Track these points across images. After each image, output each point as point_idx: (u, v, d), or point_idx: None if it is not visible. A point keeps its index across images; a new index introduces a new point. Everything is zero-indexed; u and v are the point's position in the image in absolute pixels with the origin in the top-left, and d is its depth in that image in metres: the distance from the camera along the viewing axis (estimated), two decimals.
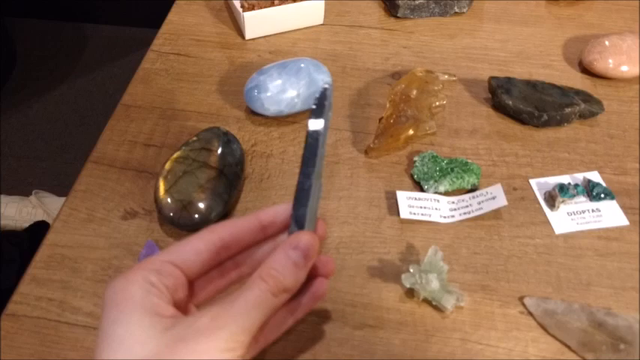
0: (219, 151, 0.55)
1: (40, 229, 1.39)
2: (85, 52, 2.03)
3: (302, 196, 0.37)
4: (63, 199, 1.47)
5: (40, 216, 1.43)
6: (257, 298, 0.34)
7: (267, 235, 0.39)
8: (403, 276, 0.48)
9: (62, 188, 1.52)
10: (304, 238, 0.36)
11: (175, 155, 0.55)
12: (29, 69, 1.95)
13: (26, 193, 1.46)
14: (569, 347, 0.46)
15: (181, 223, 0.52)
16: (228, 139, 0.56)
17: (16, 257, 1.30)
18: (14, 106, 1.82)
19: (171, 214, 0.52)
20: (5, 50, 1.94)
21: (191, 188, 0.52)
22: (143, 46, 2.10)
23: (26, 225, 1.40)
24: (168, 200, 0.52)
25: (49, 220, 1.41)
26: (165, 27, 0.74)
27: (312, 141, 0.38)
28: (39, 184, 1.54)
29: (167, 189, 0.52)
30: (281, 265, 0.35)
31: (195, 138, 0.56)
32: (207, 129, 0.57)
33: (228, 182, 0.54)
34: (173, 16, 0.76)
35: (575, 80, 0.67)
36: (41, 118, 1.79)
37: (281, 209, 0.39)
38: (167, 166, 0.54)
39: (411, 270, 0.48)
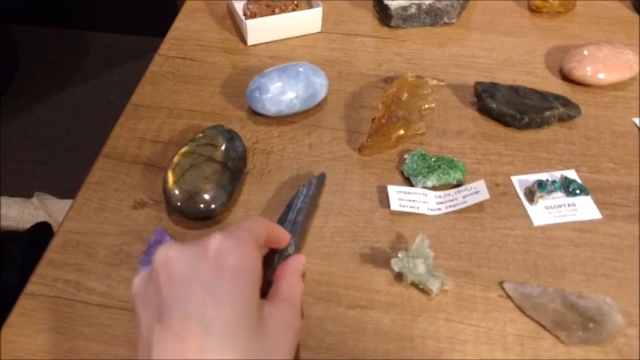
0: (224, 146, 0.59)
1: (41, 230, 1.43)
2: (86, 58, 2.07)
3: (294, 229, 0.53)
4: (64, 201, 1.51)
5: (41, 217, 1.47)
6: (301, 291, 0.45)
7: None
8: (392, 260, 0.52)
9: (63, 191, 1.55)
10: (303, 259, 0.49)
11: (183, 150, 0.59)
12: (31, 74, 1.99)
13: (27, 196, 1.50)
14: (543, 326, 0.50)
15: (187, 212, 0.56)
16: (231, 136, 0.61)
17: (17, 257, 1.34)
18: (16, 110, 1.85)
19: (179, 204, 0.56)
20: (8, 56, 1.98)
21: (197, 180, 0.56)
22: (142, 54, 2.14)
23: (28, 226, 1.44)
24: (176, 191, 0.56)
25: (51, 222, 1.45)
26: (171, 33, 0.79)
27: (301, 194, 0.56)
28: (40, 187, 1.58)
29: (175, 180, 0.56)
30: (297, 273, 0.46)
31: (201, 134, 0.60)
32: (212, 126, 0.62)
33: (232, 175, 0.58)
34: (179, 23, 0.80)
35: (556, 86, 0.72)
36: (42, 122, 1.83)
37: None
38: (175, 159, 0.58)
39: (400, 255, 0.52)
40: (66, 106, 1.90)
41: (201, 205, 0.56)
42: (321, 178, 0.60)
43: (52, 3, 2.07)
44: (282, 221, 0.55)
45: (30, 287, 0.53)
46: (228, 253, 0.37)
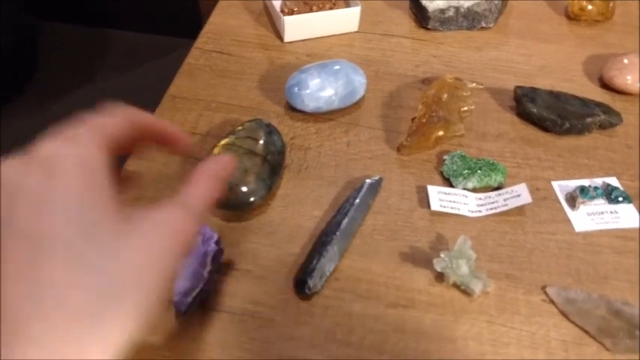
0: (263, 140, 0.59)
1: None
2: (108, 57, 2.08)
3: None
4: None
5: None
6: (209, 195, 0.36)
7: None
8: (435, 260, 0.51)
9: None
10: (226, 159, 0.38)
11: (223, 142, 0.58)
12: (51, 71, 1.99)
13: None
14: (587, 333, 0.49)
15: (228, 204, 0.56)
16: (270, 130, 0.60)
17: None
18: (34, 106, 1.85)
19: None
20: (28, 52, 1.99)
21: (238, 172, 0.56)
22: (165, 54, 2.13)
23: None
24: None
25: None
26: (207, 27, 0.79)
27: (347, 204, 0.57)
28: None
29: None
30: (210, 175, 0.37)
31: (240, 127, 0.60)
32: (251, 120, 0.61)
33: (271, 169, 0.58)
34: (215, 18, 0.80)
35: (595, 94, 0.71)
36: (61, 119, 1.82)
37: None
38: (216, 150, 0.58)
39: (442, 255, 0.52)
40: (85, 103, 1.86)
41: (241, 198, 0.55)
42: (375, 183, 0.59)
43: (76, 0, 2.08)
44: (328, 223, 0.55)
45: None
46: (58, 156, 0.32)
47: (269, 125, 0.61)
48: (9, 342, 0.28)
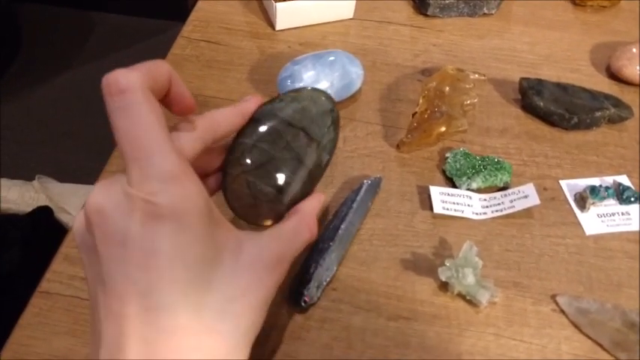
0: (324, 141, 0.40)
1: (42, 215, 1.38)
2: (91, 39, 2.02)
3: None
4: (66, 185, 1.46)
5: (42, 201, 1.42)
6: (309, 237, 0.39)
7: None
8: (439, 269, 0.48)
9: (62, 175, 1.51)
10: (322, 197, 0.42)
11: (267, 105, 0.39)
12: (34, 54, 1.93)
13: (26, 178, 1.45)
14: (601, 346, 0.46)
15: (237, 212, 0.40)
16: (333, 121, 0.41)
17: (17, 241, 1.29)
18: (17, 91, 1.80)
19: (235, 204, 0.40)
20: (10, 34, 1.93)
21: (273, 180, 0.39)
22: (149, 36, 2.07)
23: (28, 210, 1.39)
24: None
25: (52, 206, 1.40)
26: (194, 14, 0.74)
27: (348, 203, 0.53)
28: (40, 170, 1.53)
29: (248, 163, 0.38)
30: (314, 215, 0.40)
31: (294, 94, 0.41)
32: (315, 89, 0.42)
33: (304, 186, 0.40)
34: (203, 4, 0.76)
35: (603, 85, 0.68)
36: (44, 104, 1.78)
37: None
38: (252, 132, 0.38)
39: (447, 264, 0.48)
40: (69, 87, 1.85)
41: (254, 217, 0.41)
42: (374, 182, 0.55)
43: None
44: (325, 227, 0.51)
45: (45, 285, 0.48)
46: (159, 199, 0.30)
47: (334, 110, 0.42)
48: None
